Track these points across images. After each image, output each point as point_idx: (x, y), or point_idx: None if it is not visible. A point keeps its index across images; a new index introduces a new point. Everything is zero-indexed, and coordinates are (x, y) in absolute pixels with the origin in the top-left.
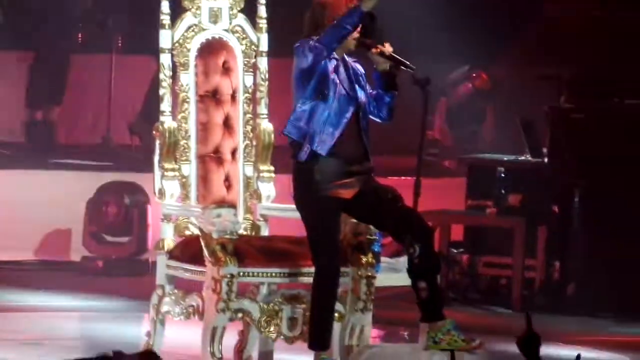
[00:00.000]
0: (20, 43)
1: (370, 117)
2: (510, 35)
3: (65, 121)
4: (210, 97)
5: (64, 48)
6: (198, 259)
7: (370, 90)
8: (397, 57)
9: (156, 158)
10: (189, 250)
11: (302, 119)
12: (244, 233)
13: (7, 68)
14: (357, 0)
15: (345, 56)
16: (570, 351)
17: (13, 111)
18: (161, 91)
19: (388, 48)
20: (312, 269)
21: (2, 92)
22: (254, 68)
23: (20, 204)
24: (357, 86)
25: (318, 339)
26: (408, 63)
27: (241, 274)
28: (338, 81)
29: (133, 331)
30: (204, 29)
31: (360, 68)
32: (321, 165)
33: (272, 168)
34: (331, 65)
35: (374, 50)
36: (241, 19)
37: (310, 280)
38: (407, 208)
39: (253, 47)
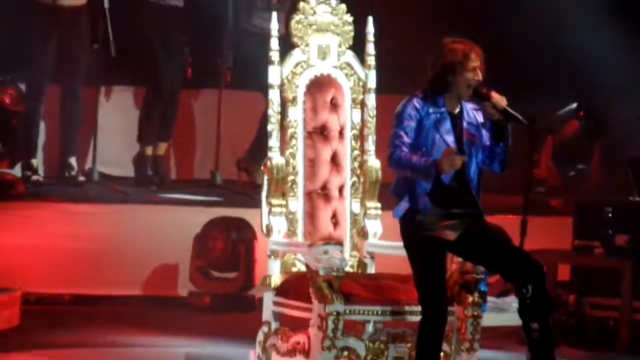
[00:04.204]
0: (133, 79)
1: (484, 167)
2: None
3: (175, 156)
4: (318, 134)
5: (175, 84)
6: (304, 296)
7: (485, 141)
8: (510, 110)
9: (264, 194)
10: (295, 287)
11: (404, 177)
12: (351, 270)
13: (121, 102)
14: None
15: (464, 103)
16: None
17: (125, 146)
18: (269, 127)
19: (502, 101)
20: (418, 308)
21: (115, 126)
22: (362, 104)
23: (129, 238)
24: (465, 137)
25: None
26: (521, 118)
27: (347, 311)
28: (437, 137)
29: None
30: (312, 66)
31: (477, 116)
32: (422, 215)
33: (379, 205)
34: (430, 120)
35: (486, 101)
36: (349, 56)
37: (416, 319)
38: (518, 248)
39: (361, 83)
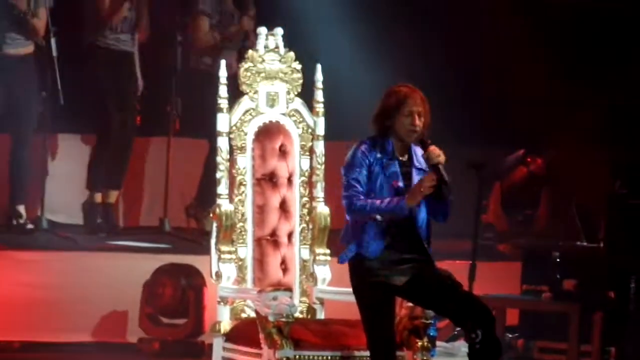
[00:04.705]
0: (83, 126)
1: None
2: (566, 121)
3: (123, 203)
4: (267, 180)
5: (128, 132)
6: (254, 342)
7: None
8: (441, 169)
9: (213, 240)
10: (245, 333)
11: (353, 224)
12: (300, 316)
13: (70, 150)
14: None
15: (414, 148)
16: None
17: (73, 194)
18: (218, 174)
19: (437, 157)
20: (367, 353)
21: (64, 174)
22: (311, 151)
23: (78, 285)
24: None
25: None
26: (445, 179)
27: (297, 357)
28: (386, 182)
29: None
30: (261, 113)
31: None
32: (370, 261)
33: (328, 251)
34: (378, 166)
35: (425, 152)
36: (298, 103)
37: None
38: (467, 293)
39: (310, 130)
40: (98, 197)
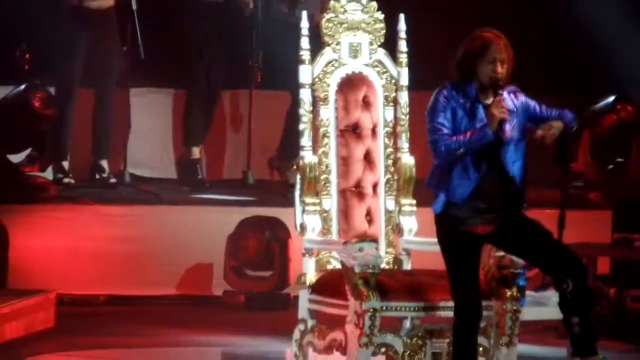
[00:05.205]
0: (165, 80)
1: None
2: None
3: (207, 156)
4: (351, 132)
5: (214, 86)
6: (340, 294)
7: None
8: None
9: (297, 193)
10: (331, 284)
11: (439, 168)
12: (386, 267)
13: (153, 104)
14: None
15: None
16: None
17: (156, 148)
18: (301, 126)
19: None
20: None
21: (146, 129)
22: (395, 102)
23: (162, 239)
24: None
25: None
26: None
27: (384, 308)
28: (471, 125)
29: None
30: (343, 64)
31: (515, 101)
32: (457, 208)
33: (413, 202)
34: (462, 110)
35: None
36: (381, 54)
37: (452, 314)
38: (558, 242)
39: (393, 81)
40: (196, 152)
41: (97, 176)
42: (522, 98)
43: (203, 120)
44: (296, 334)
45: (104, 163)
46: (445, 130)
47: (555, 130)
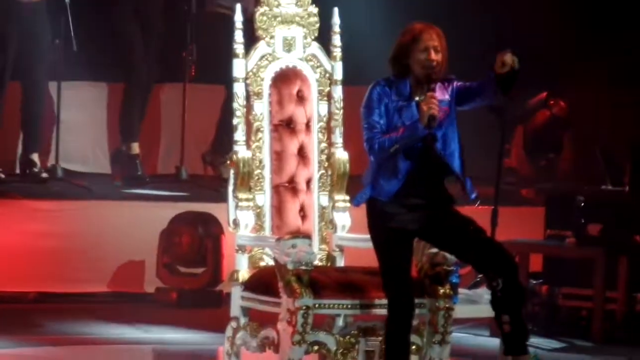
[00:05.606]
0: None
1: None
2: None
3: (140, 151)
4: (285, 126)
5: (148, 80)
6: (273, 291)
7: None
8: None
9: (230, 188)
10: (263, 281)
11: (370, 165)
12: (320, 264)
13: (85, 98)
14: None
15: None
16: None
17: (88, 142)
18: (235, 120)
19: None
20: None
21: (77, 122)
22: (329, 96)
23: (94, 235)
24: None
25: None
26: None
27: (317, 305)
28: (401, 124)
29: None
30: (277, 58)
31: (444, 92)
32: (385, 205)
33: (347, 197)
34: (394, 107)
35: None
36: (315, 48)
37: (386, 312)
38: (490, 240)
39: (327, 75)
40: (135, 148)
41: (28, 171)
42: (455, 84)
43: (140, 115)
44: (229, 332)
45: (35, 157)
46: (379, 128)
47: (508, 56)
